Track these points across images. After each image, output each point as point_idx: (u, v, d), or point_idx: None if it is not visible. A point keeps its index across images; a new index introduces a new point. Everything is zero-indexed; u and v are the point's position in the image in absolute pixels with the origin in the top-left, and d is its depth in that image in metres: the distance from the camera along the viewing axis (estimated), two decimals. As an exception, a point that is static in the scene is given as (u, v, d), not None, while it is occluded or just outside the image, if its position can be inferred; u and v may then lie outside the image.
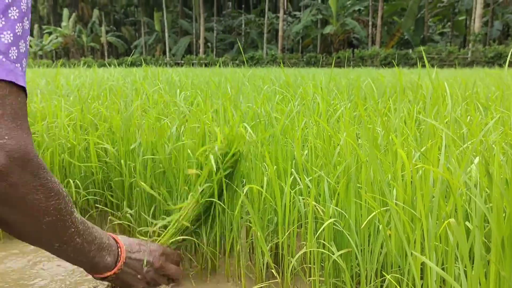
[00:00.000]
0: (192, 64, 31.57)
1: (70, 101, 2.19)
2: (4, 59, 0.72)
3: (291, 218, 1.12)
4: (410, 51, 28.86)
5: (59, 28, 45.17)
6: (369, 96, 2.39)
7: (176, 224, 1.19)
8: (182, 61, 34.84)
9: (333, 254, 0.95)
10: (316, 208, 1.02)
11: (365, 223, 0.89)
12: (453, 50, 27.68)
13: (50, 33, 45.71)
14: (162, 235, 1.19)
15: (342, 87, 3.03)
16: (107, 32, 47.29)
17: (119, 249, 1.01)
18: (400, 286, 0.87)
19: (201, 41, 39.88)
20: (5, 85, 0.72)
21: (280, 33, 36.39)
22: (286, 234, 1.10)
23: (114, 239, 1.02)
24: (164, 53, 43.96)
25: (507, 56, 23.88)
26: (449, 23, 40.32)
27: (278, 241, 1.17)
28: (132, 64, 27.17)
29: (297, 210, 1.12)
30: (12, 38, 0.74)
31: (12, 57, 0.74)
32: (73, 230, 0.88)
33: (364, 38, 36.51)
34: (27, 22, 0.78)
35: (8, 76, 0.72)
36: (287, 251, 1.12)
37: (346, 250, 0.95)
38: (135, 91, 2.66)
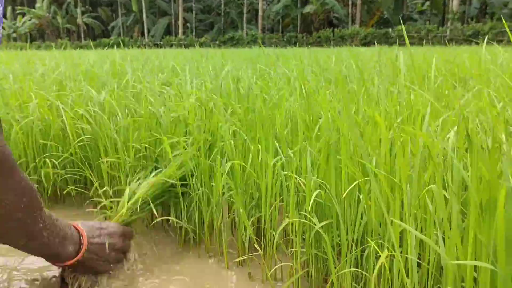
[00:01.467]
0: (172, 45, 31.10)
1: (46, 82, 2.13)
2: None
3: (273, 192, 1.13)
4: (390, 30, 28.93)
5: (33, 9, 43.83)
6: (349, 74, 2.39)
7: (130, 201, 1.19)
8: (161, 42, 34.30)
9: (315, 225, 0.96)
10: (298, 181, 1.02)
11: (345, 193, 0.90)
12: (432, 28, 27.86)
13: (23, 14, 44.36)
14: (117, 213, 1.18)
15: (321, 66, 3.03)
16: (83, 13, 46.07)
17: (81, 237, 1.02)
18: (380, 252, 0.89)
19: (180, 22, 39.25)
20: None
21: (260, 13, 36.04)
22: (270, 209, 1.11)
23: (75, 227, 1.02)
24: (143, 34, 43.17)
25: (484, 34, 24.19)
26: (428, 2, 40.48)
27: (261, 215, 1.18)
28: (110, 45, 26.63)
29: (279, 183, 1.13)
30: None
31: None
32: (41, 225, 0.87)
33: (344, 17, 36.42)
34: (1, 8, 0.73)
35: None
36: (269, 224, 1.13)
37: (327, 222, 0.96)
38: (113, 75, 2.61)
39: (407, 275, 0.82)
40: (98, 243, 1.05)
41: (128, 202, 1.17)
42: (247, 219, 1.13)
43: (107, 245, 1.06)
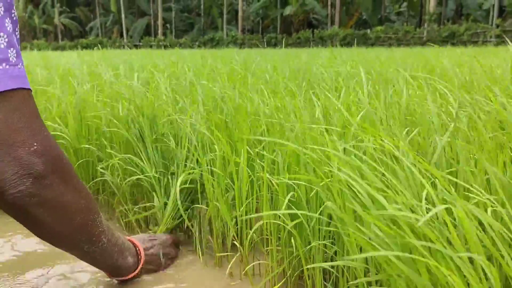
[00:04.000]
0: (151, 46, 30.87)
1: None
2: (7, 66, 0.70)
3: (249, 192, 1.16)
4: (368, 31, 29.29)
5: (8, 9, 42.82)
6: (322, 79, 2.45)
7: (170, 210, 1.23)
8: (140, 43, 34.00)
9: (288, 225, 1.00)
10: (270, 181, 1.06)
11: (311, 194, 0.94)
12: (409, 29, 28.29)
13: (-2, 15, 43.29)
14: (161, 223, 1.23)
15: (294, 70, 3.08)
16: (60, 13, 45.36)
17: (137, 249, 1.04)
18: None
19: (160, 22, 38.99)
20: (17, 93, 0.71)
21: (240, 14, 36.06)
22: (242, 207, 1.15)
23: (128, 239, 1.04)
24: (122, 35, 42.71)
25: (460, 35, 24.68)
26: (405, 3, 41.09)
27: (236, 215, 1.22)
28: (88, 46, 26.27)
29: (255, 183, 1.16)
30: (7, 40, 0.71)
31: (12, 60, 0.71)
32: (101, 230, 0.88)
33: (323, 19, 36.71)
34: (14, 11, 0.73)
35: (17, 83, 0.71)
36: (245, 224, 1.17)
37: (297, 221, 1.00)
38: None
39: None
40: (153, 254, 1.09)
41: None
42: (230, 217, 1.16)
43: (161, 255, 1.11)
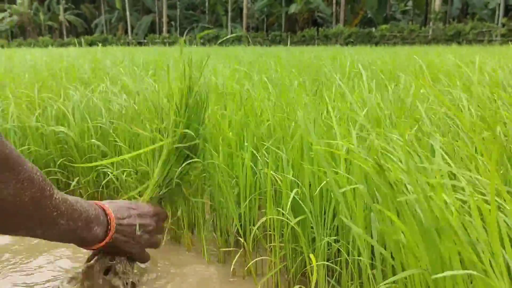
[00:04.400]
0: (156, 43, 30.89)
1: (26, 79, 2.14)
2: None
3: (252, 188, 1.17)
4: (373, 29, 29.20)
5: (14, 6, 43.09)
6: (329, 75, 2.44)
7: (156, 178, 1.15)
8: (145, 40, 34.04)
9: (291, 221, 1.00)
10: (275, 178, 1.07)
11: (317, 190, 0.94)
12: (414, 28, 28.19)
13: (3, 10, 43.56)
14: (145, 192, 1.13)
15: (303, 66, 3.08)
16: (65, 10, 45.45)
17: (108, 218, 0.96)
18: (348, 255, 0.93)
19: (164, 19, 39.00)
20: None
21: (244, 11, 36.01)
22: (246, 204, 1.15)
23: (101, 207, 0.96)
24: (126, 32, 42.75)
25: (466, 34, 24.58)
26: (410, 1, 40.93)
27: (240, 212, 1.22)
28: (93, 43, 26.32)
29: (258, 180, 1.17)
30: None
31: None
32: (55, 214, 0.83)
33: (328, 17, 36.63)
34: None
35: None
36: (248, 220, 1.17)
37: (301, 217, 1.00)
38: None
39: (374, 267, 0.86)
40: (128, 224, 1.00)
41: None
42: (236, 212, 1.16)
43: (137, 227, 1.02)
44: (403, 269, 0.72)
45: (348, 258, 0.94)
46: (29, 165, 0.79)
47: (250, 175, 1.15)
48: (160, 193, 1.14)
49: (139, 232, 1.02)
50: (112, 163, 1.44)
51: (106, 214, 0.97)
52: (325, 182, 0.94)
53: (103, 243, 0.96)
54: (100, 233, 0.94)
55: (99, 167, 1.56)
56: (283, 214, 1.04)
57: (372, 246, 0.86)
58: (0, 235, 0.83)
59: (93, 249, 0.98)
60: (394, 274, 0.87)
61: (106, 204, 0.99)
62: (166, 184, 1.16)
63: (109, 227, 0.96)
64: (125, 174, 1.38)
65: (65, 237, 0.89)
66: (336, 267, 1.00)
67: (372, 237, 0.84)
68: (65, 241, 0.91)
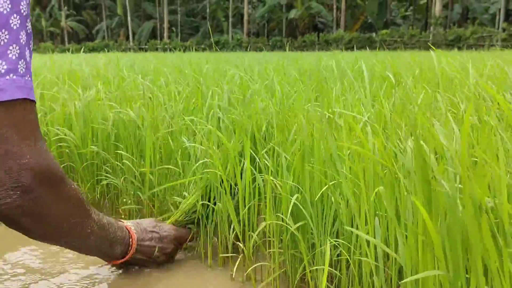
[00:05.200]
0: (157, 49, 30.98)
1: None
2: (15, 77, 0.72)
3: (252, 194, 1.17)
4: (374, 34, 29.28)
5: (15, 12, 43.12)
6: (329, 79, 2.45)
7: (189, 200, 1.23)
8: (146, 46, 34.15)
9: (291, 227, 1.00)
10: (274, 184, 1.07)
11: (317, 196, 0.94)
12: (415, 33, 28.26)
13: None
14: (173, 214, 1.24)
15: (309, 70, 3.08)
16: (67, 16, 45.63)
17: (131, 239, 1.09)
18: (350, 257, 0.93)
19: (165, 25, 39.15)
20: (19, 103, 0.73)
21: (245, 17, 36.15)
22: (245, 210, 1.15)
23: (128, 229, 1.09)
24: (128, 38, 42.88)
25: (466, 38, 24.61)
26: (411, 7, 41.04)
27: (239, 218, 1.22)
28: (94, 49, 26.43)
29: (257, 186, 1.17)
30: (18, 51, 0.73)
31: (21, 71, 0.73)
32: (89, 230, 0.94)
33: (329, 22, 36.74)
34: (29, 23, 0.76)
35: (21, 94, 0.73)
36: (247, 226, 1.17)
37: (301, 223, 1.00)
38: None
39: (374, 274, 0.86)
40: (149, 246, 1.13)
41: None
42: (235, 218, 1.16)
43: (156, 249, 1.14)
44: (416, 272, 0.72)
45: (349, 258, 0.93)
46: (75, 185, 0.88)
47: (249, 180, 1.14)
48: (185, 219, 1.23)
49: (157, 253, 1.14)
50: (112, 170, 1.44)
51: (130, 236, 1.09)
52: (326, 186, 0.94)
53: (121, 261, 1.10)
54: (121, 252, 1.08)
55: (99, 174, 1.56)
56: (282, 219, 1.04)
57: (375, 251, 0.85)
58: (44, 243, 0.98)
59: (114, 263, 1.12)
60: (400, 278, 0.87)
61: (133, 226, 1.11)
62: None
63: (130, 248, 1.09)
64: (123, 180, 1.39)
65: (92, 252, 1.05)
66: (336, 272, 0.99)
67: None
68: (92, 254, 1.07)
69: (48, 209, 0.82)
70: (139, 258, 1.12)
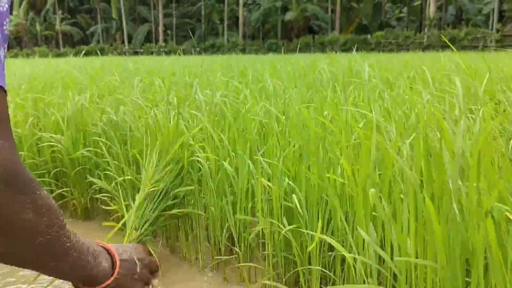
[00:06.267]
0: (152, 53, 30.96)
1: (22, 91, 2.14)
2: None
3: (247, 198, 1.17)
4: (369, 36, 29.38)
5: (10, 16, 42.99)
6: (325, 82, 2.45)
7: (138, 217, 1.19)
8: (141, 50, 34.11)
9: (283, 228, 1.00)
10: (268, 186, 1.07)
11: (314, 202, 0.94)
12: (409, 34, 28.37)
13: None
14: (129, 232, 1.17)
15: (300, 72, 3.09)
16: (61, 20, 45.51)
17: (109, 252, 0.92)
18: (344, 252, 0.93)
19: (161, 29, 39.12)
20: None
21: (240, 20, 36.18)
22: (242, 213, 1.15)
23: (97, 242, 0.92)
24: (123, 41, 42.79)
25: (460, 40, 24.73)
26: (405, 8, 41.19)
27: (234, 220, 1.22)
28: (89, 53, 26.38)
29: (251, 190, 1.17)
30: None
31: None
32: (68, 245, 0.78)
33: (324, 24, 36.83)
34: (6, 23, 0.69)
35: None
36: (242, 228, 1.17)
37: (294, 226, 1.00)
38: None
39: (369, 276, 0.86)
40: (127, 259, 0.97)
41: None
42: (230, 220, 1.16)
43: (136, 260, 0.99)
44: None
45: (347, 256, 0.93)
46: (44, 191, 0.73)
47: (244, 184, 1.15)
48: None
49: (140, 265, 0.98)
50: (100, 176, 1.44)
51: (106, 249, 0.92)
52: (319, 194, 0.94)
53: (111, 279, 0.90)
54: (108, 268, 0.89)
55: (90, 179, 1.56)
56: (274, 222, 1.04)
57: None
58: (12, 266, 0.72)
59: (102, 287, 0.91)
60: (395, 279, 0.87)
61: (100, 242, 0.94)
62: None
63: (114, 261, 0.92)
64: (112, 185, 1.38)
65: (74, 273, 0.83)
66: (330, 274, 0.99)
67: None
68: (72, 278, 0.84)
69: (16, 217, 0.67)
70: (125, 274, 0.94)
